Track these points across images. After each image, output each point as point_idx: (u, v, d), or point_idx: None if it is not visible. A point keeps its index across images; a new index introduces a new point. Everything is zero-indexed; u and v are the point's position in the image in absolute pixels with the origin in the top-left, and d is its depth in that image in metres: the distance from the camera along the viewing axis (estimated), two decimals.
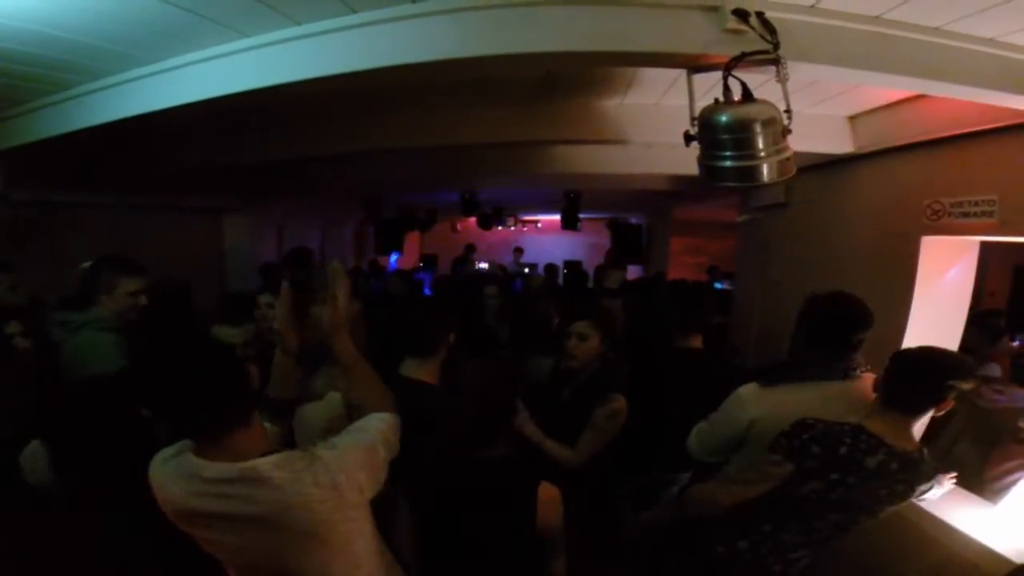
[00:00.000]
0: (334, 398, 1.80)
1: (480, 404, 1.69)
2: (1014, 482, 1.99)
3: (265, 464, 1.16)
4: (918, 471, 1.61)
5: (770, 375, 1.93)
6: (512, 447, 1.73)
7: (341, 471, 1.21)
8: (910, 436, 1.64)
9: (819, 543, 1.71)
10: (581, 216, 7.37)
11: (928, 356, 1.66)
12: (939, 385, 1.59)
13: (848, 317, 1.83)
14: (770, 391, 1.86)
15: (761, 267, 3.88)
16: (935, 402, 1.61)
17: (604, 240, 9.50)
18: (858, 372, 1.88)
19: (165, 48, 1.83)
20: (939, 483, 1.73)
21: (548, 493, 1.59)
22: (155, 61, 1.90)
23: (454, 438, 1.71)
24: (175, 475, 1.20)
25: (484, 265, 9.31)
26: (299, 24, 1.69)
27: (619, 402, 2.17)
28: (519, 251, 10.56)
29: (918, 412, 1.63)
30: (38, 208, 3.63)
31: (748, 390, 1.89)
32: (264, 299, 3.05)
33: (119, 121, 2.01)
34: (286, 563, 1.21)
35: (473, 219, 7.84)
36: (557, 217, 7.60)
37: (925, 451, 1.66)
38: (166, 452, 1.25)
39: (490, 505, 1.57)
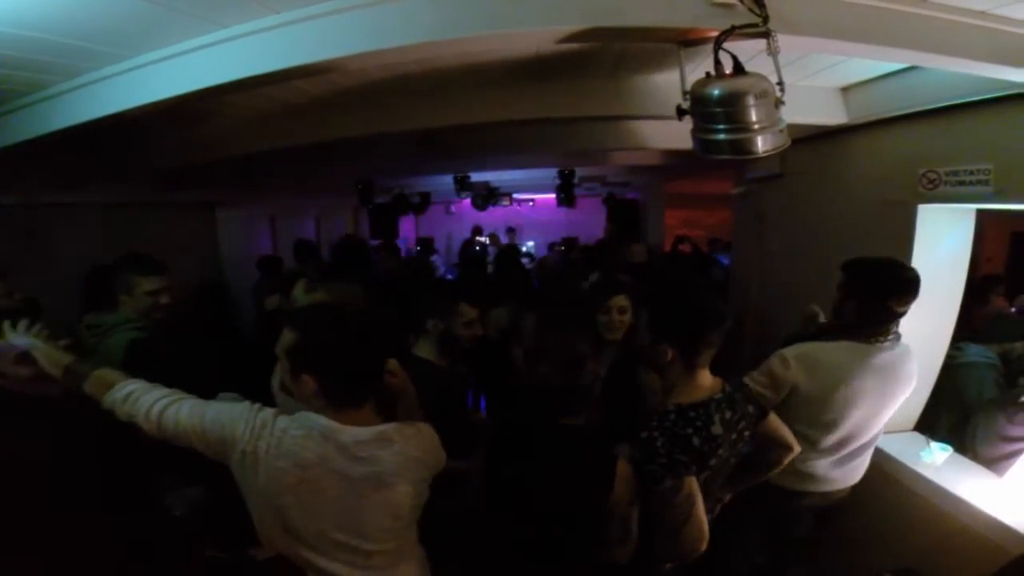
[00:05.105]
0: None
1: (560, 367, 1.58)
2: (1014, 452, 2.00)
3: (390, 429, 1.38)
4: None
5: None
6: (591, 415, 1.68)
7: (434, 447, 1.49)
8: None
9: None
10: (576, 193, 7.32)
11: None
12: None
13: None
14: None
15: (757, 238, 3.88)
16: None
17: (600, 216, 9.44)
18: None
19: (141, 43, 1.77)
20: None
21: (624, 470, 1.55)
22: (131, 57, 1.84)
23: (534, 402, 1.64)
24: (306, 439, 1.29)
25: (484, 239, 9.55)
26: (278, 13, 1.64)
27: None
28: (512, 231, 10.48)
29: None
30: (28, 211, 3.57)
31: None
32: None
33: (98, 120, 1.96)
34: (362, 518, 1.36)
35: (467, 200, 7.79)
36: (552, 196, 7.54)
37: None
38: (282, 421, 1.32)
39: (569, 475, 1.55)
